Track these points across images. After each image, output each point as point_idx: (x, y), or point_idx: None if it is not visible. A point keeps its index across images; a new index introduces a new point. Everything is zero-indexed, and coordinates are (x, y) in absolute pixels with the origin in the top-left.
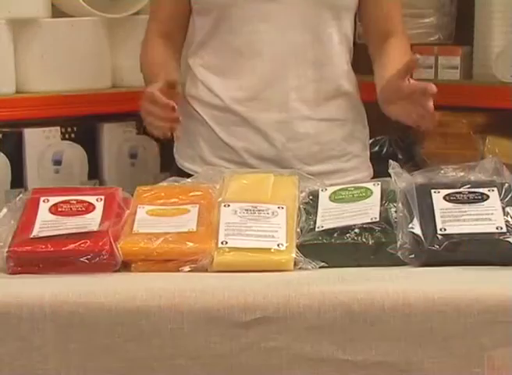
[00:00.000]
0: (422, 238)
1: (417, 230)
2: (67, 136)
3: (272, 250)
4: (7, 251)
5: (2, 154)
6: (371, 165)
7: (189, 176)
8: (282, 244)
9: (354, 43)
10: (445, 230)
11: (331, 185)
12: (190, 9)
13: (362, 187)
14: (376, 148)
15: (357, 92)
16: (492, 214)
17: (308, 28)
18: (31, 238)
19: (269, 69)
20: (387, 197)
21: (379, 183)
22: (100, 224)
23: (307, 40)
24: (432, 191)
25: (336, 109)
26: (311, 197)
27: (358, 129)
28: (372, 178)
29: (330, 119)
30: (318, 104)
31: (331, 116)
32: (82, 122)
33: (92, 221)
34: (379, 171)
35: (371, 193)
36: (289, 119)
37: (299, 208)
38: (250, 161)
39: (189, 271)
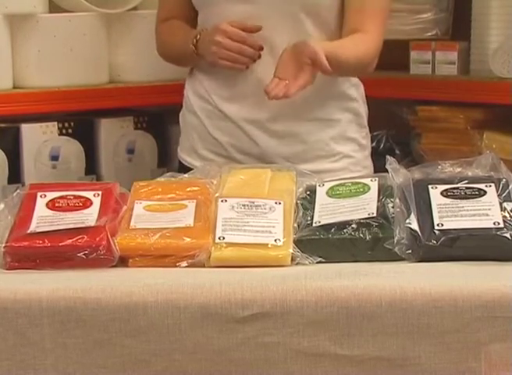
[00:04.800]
0: (419, 233)
1: (415, 226)
2: (64, 131)
3: (270, 245)
4: (4, 247)
5: None
6: (368, 164)
7: (188, 169)
8: (279, 240)
9: None
10: (442, 225)
11: (328, 180)
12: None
13: (359, 183)
14: (373, 144)
15: (356, 91)
16: (489, 209)
17: (286, 29)
18: (28, 234)
19: (251, 69)
20: (384, 192)
21: (376, 178)
22: (97, 220)
23: (284, 40)
24: (430, 186)
25: (326, 109)
26: (308, 192)
27: (353, 129)
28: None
29: (318, 119)
30: (300, 103)
31: (319, 116)
32: (79, 117)
33: (89, 216)
34: (377, 166)
35: (369, 188)
36: (269, 117)
37: (296, 203)
38: (235, 156)
39: (186, 266)
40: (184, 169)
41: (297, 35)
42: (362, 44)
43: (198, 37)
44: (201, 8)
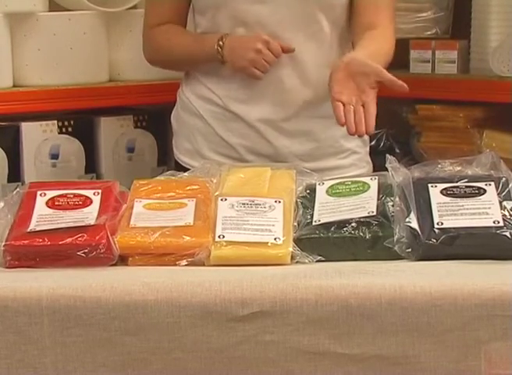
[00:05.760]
0: (419, 232)
1: (414, 224)
2: (64, 130)
3: (269, 244)
4: (4, 245)
5: None
6: (370, 160)
7: (187, 170)
8: (279, 238)
9: None
10: (442, 224)
11: (328, 179)
12: (188, 6)
13: (359, 182)
14: (373, 142)
15: None
16: (489, 208)
17: (300, 29)
18: (28, 232)
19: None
20: (384, 191)
21: (376, 177)
22: (97, 218)
23: (300, 40)
24: (429, 185)
25: None
26: (308, 191)
27: None
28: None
29: (328, 116)
30: (315, 102)
31: (329, 113)
32: (79, 116)
33: (89, 215)
34: (377, 165)
35: (369, 187)
36: (284, 117)
37: (296, 202)
38: (247, 157)
39: (186, 265)
40: (184, 171)
41: (313, 34)
42: (387, 42)
43: (224, 40)
44: (208, 11)
